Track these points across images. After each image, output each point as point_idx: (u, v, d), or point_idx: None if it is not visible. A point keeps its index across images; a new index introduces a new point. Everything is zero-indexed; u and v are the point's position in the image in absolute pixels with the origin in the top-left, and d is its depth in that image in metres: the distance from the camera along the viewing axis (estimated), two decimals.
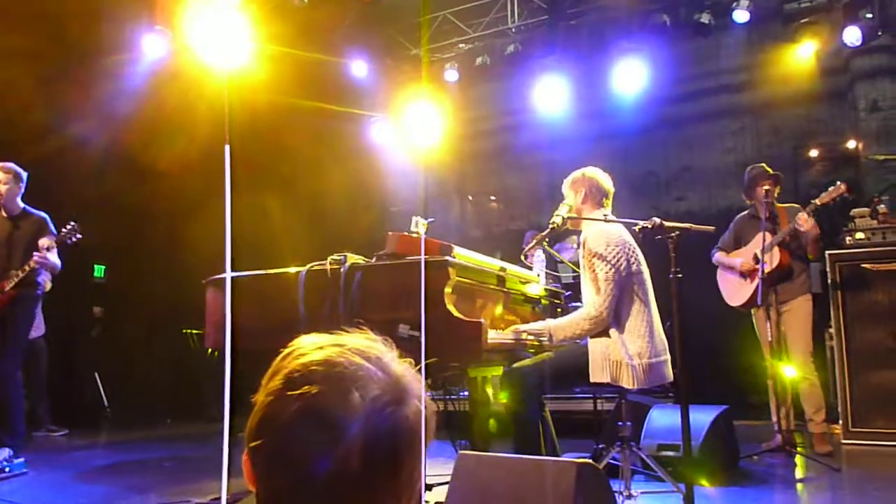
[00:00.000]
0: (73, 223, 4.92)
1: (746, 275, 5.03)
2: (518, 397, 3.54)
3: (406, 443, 0.84)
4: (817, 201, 4.73)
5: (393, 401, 0.85)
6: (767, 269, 4.69)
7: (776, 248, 4.82)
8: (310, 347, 0.89)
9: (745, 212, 5.26)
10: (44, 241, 4.79)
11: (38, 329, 6.88)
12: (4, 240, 4.86)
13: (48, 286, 5.97)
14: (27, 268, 4.72)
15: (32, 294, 4.92)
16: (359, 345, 0.90)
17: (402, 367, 0.90)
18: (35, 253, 4.73)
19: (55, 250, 4.86)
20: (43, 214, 4.99)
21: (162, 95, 7.42)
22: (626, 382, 3.28)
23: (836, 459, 4.60)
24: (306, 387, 0.83)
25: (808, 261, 5.12)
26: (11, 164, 4.91)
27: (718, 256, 5.24)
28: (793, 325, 4.94)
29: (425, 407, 0.88)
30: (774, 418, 4.87)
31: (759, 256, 4.69)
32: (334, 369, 0.85)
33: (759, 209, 4.80)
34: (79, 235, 4.94)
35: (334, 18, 8.11)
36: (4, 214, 4.92)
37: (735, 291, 5.14)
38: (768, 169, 5.07)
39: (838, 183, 4.69)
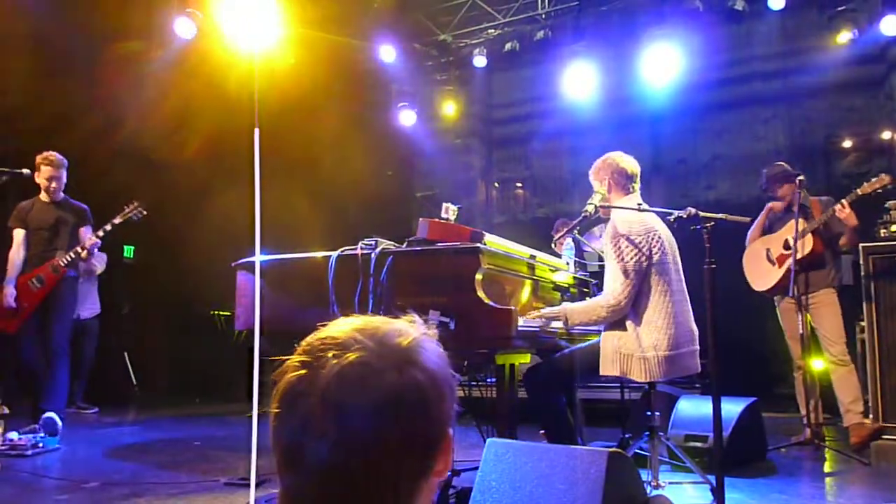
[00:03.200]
0: (135, 202, 5.22)
1: (775, 260, 4.99)
2: (545, 388, 3.55)
3: (395, 407, 0.81)
4: (859, 191, 4.63)
5: (381, 367, 0.82)
6: (799, 255, 4.63)
7: (810, 235, 4.76)
8: (327, 328, 0.89)
9: (779, 201, 5.17)
10: (84, 232, 5.17)
11: (94, 308, 7.05)
12: (50, 224, 5.15)
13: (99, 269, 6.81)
14: (80, 250, 5.05)
15: (75, 273, 5.27)
16: (369, 322, 0.89)
17: (407, 341, 0.87)
18: (88, 238, 5.10)
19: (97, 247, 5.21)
20: (84, 206, 5.31)
21: (190, 79, 7.46)
22: (637, 376, 3.21)
23: (865, 454, 4.54)
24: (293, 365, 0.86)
25: (839, 253, 5.05)
26: (55, 155, 5.13)
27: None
28: (823, 317, 4.88)
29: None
30: (803, 412, 4.82)
31: (791, 243, 4.63)
32: (318, 343, 0.86)
33: (791, 201, 4.75)
34: (143, 212, 5.24)
35: (363, 2, 8.08)
36: (47, 200, 5.18)
37: (761, 275, 5.10)
38: (787, 167, 5.04)
39: (882, 174, 4.60)
